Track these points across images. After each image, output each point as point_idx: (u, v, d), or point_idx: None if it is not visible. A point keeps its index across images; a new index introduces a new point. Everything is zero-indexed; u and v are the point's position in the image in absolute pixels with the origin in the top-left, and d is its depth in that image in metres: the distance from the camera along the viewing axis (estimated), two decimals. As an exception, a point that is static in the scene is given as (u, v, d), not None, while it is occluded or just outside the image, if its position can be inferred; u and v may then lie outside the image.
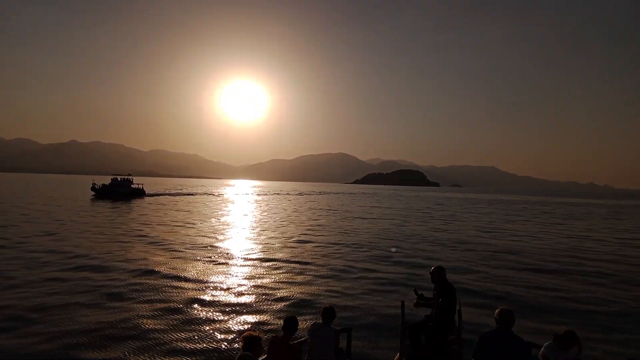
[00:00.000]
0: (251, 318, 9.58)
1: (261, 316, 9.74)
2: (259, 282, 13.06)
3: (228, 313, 9.90)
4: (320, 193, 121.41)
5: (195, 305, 10.36)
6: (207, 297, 11.10)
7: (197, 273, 13.93)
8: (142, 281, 12.63)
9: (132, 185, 66.94)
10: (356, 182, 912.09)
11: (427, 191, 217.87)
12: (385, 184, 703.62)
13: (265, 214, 40.60)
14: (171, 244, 19.98)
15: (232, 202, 58.91)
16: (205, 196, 75.38)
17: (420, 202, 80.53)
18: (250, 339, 4.19)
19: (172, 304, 10.38)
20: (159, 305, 10.25)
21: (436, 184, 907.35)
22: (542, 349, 4.60)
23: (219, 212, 40.18)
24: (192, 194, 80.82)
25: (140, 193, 67.17)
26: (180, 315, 9.64)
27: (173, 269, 14.42)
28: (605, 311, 11.05)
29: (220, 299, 10.99)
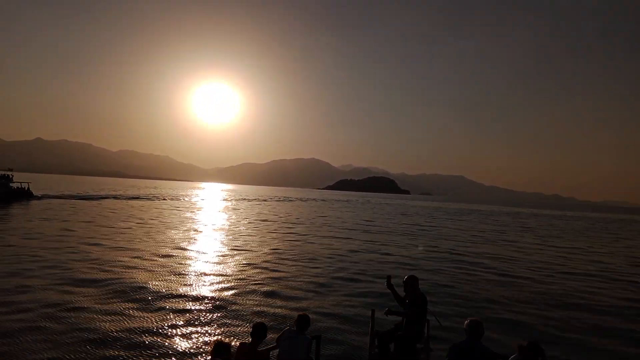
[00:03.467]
0: None
1: None
2: None
3: None
4: (283, 199, 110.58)
5: None
6: None
7: None
8: None
9: (11, 185, 52.19)
10: (328, 187, 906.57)
11: (397, 199, 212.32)
12: (356, 191, 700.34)
13: (175, 229, 29.87)
14: None
15: (157, 210, 47.57)
16: (137, 200, 63.05)
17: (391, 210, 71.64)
18: (219, 345, 4.07)
19: None
20: None
21: (407, 192, 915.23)
22: None
23: (108, 225, 29.05)
24: (116, 197, 66.98)
25: (23, 195, 53.18)
26: None
27: None
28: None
29: None
